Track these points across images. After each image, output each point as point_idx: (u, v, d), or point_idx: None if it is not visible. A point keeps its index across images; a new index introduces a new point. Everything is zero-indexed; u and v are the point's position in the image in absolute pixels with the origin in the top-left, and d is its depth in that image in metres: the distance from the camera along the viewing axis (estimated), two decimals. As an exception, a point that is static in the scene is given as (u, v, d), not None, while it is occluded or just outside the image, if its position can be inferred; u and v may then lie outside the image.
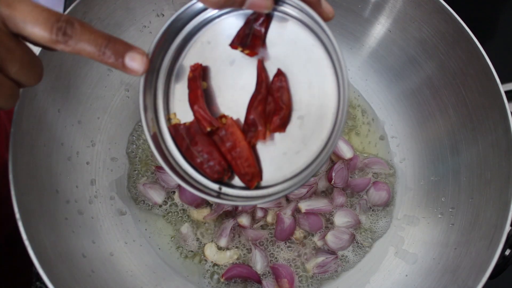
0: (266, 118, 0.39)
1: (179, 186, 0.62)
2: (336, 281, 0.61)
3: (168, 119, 0.42)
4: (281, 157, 0.39)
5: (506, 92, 0.53)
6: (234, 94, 0.41)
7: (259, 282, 0.59)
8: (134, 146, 0.65)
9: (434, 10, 0.57)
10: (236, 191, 0.40)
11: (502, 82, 0.53)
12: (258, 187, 0.40)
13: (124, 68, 0.35)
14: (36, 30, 0.33)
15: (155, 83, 0.42)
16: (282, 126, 0.39)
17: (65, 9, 0.70)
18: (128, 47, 0.35)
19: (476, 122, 0.56)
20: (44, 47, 0.35)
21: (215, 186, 0.41)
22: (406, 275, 0.58)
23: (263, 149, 0.40)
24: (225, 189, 0.41)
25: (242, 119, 0.40)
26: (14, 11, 0.32)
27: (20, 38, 0.34)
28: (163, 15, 0.64)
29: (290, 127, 0.39)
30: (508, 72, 0.74)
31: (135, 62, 0.35)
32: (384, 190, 0.63)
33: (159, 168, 0.63)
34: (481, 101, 0.55)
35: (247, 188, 0.40)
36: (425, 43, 0.60)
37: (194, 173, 0.41)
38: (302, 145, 0.39)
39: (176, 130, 0.41)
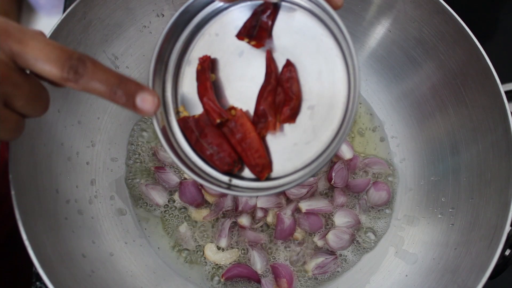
0: (276, 108, 0.39)
1: (179, 185, 0.62)
2: (336, 281, 0.60)
3: (177, 112, 0.42)
4: (291, 148, 0.39)
5: (506, 92, 0.53)
6: (243, 85, 0.41)
7: (260, 282, 0.59)
8: (134, 146, 0.65)
9: (434, 10, 0.57)
10: (246, 183, 0.40)
11: (502, 82, 0.53)
12: (268, 179, 0.40)
13: (135, 108, 0.35)
14: (47, 67, 0.32)
15: (163, 76, 0.42)
16: (292, 116, 0.39)
17: (65, 9, 0.70)
18: (139, 88, 0.35)
19: (476, 122, 0.56)
20: (53, 83, 0.34)
21: (225, 178, 0.41)
22: (406, 275, 0.58)
23: (273, 140, 0.40)
24: (235, 181, 0.40)
25: (252, 111, 0.40)
26: (26, 48, 0.32)
27: (28, 72, 0.34)
28: (163, 15, 0.64)
29: (300, 118, 0.39)
30: (508, 72, 0.74)
31: (146, 103, 0.35)
32: (384, 190, 0.63)
33: (159, 168, 0.63)
34: (481, 101, 0.55)
35: (257, 179, 0.40)
36: (425, 43, 0.60)
37: (204, 165, 0.41)
38: (313, 136, 0.38)
39: (185, 123, 0.41)
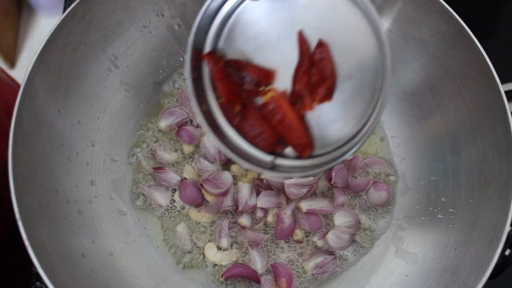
0: (312, 88, 0.40)
1: (179, 185, 0.62)
2: (336, 281, 0.60)
3: (218, 97, 0.42)
4: (331, 125, 0.40)
5: (506, 92, 0.53)
6: (279, 66, 0.41)
7: (259, 282, 0.59)
8: (136, 148, 0.65)
9: (434, 10, 0.57)
10: (290, 162, 0.42)
11: (502, 82, 0.53)
12: (311, 156, 0.41)
13: None
14: None
15: (199, 65, 0.43)
16: (328, 95, 0.40)
17: (65, 9, 0.70)
18: None
19: (476, 122, 0.56)
20: None
21: (269, 158, 0.42)
22: (406, 275, 0.58)
23: (313, 118, 0.41)
24: (279, 161, 0.42)
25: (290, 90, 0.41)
26: None
27: None
28: (163, 15, 0.64)
29: (337, 95, 0.40)
30: (508, 72, 0.74)
31: None
32: (384, 190, 0.63)
33: (158, 168, 0.63)
34: (481, 101, 0.55)
35: (300, 157, 0.41)
36: (425, 43, 0.60)
37: (247, 147, 0.42)
38: (351, 112, 0.39)
39: (226, 107, 0.42)
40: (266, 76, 0.41)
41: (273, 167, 0.42)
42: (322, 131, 0.41)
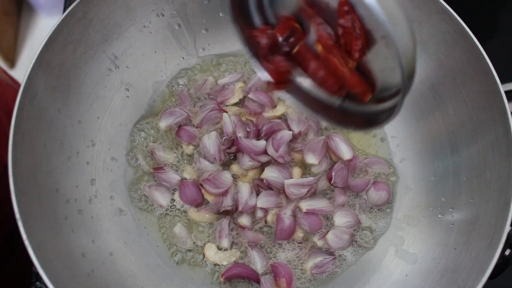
0: (345, 47, 0.41)
1: (179, 185, 0.62)
2: (336, 281, 0.60)
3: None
4: (380, 74, 0.41)
5: (506, 92, 0.53)
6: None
7: (259, 282, 0.59)
8: (136, 148, 0.65)
9: (434, 10, 0.57)
10: (357, 106, 0.44)
11: (502, 82, 0.53)
12: (376, 100, 0.43)
13: None
14: None
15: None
16: (364, 52, 0.40)
17: (65, 9, 0.70)
18: None
19: (476, 122, 0.56)
20: None
21: (337, 101, 0.45)
22: (406, 275, 0.58)
23: (369, 62, 0.42)
24: (347, 104, 0.45)
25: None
26: None
27: None
28: (163, 15, 0.64)
29: (377, 47, 0.40)
30: (508, 72, 0.74)
31: None
32: (384, 190, 0.63)
33: (157, 169, 0.63)
34: (481, 101, 0.55)
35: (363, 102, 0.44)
36: (425, 43, 0.60)
37: (316, 92, 0.46)
38: (394, 62, 0.39)
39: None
40: (293, 30, 0.43)
41: (342, 112, 0.45)
42: (379, 76, 0.42)
